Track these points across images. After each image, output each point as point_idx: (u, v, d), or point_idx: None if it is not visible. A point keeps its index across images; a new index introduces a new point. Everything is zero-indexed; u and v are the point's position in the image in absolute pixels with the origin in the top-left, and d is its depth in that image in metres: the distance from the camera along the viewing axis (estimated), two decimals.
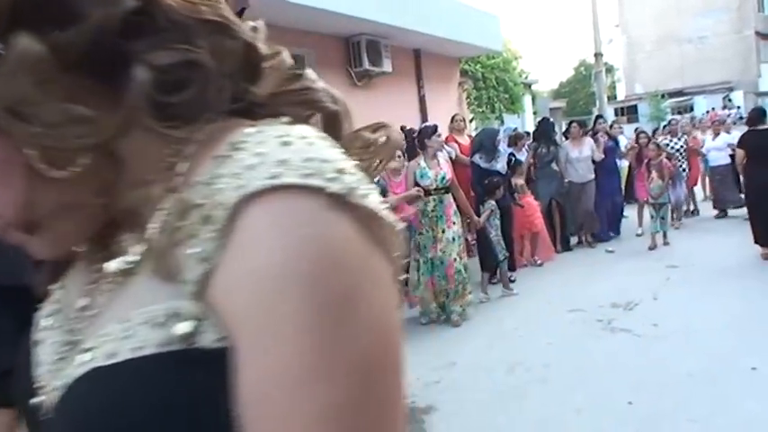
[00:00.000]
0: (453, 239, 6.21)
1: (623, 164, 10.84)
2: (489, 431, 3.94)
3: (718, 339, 5.03)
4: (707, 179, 11.94)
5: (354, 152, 0.62)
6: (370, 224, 0.51)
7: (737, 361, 4.55)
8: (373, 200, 0.51)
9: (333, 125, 0.62)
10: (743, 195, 10.36)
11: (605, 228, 9.72)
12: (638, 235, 9.72)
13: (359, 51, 9.82)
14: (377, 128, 0.67)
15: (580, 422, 3.92)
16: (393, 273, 0.53)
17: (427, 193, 6.19)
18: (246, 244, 0.47)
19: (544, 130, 9.47)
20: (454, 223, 6.27)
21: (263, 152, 0.49)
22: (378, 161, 0.66)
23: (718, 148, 11.13)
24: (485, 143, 7.38)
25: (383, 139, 0.67)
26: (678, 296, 6.39)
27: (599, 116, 11.56)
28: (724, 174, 10.96)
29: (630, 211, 10.59)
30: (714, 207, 11.18)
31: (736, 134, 10.81)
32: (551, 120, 10.54)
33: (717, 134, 11.42)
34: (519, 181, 8.15)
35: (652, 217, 9.01)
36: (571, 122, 10.10)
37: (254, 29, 0.60)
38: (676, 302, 6.18)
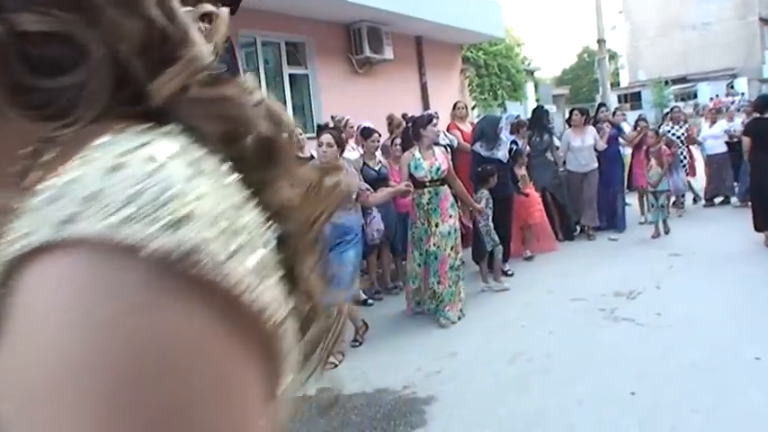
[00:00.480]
0: (449, 233, 6.00)
1: (626, 151, 10.76)
2: (490, 422, 3.91)
3: (721, 329, 4.99)
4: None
5: (285, 194, 0.46)
6: (229, 307, 0.35)
7: (741, 351, 4.52)
8: (239, 268, 0.35)
9: (264, 154, 0.45)
10: (736, 183, 10.41)
11: (604, 219, 9.56)
12: (640, 223, 9.67)
13: (360, 38, 9.77)
14: (330, 169, 0.51)
15: (582, 413, 3.89)
16: (262, 383, 0.37)
17: (422, 185, 5.98)
18: (18, 325, 0.32)
19: (538, 118, 9.36)
20: (450, 216, 6.05)
21: (75, 179, 0.34)
22: (320, 212, 0.48)
23: (715, 135, 11.04)
24: (486, 131, 7.29)
25: (330, 183, 0.50)
26: (681, 285, 6.35)
27: (601, 104, 11.45)
28: (720, 162, 10.88)
29: (632, 199, 10.53)
30: (705, 195, 11.11)
31: (737, 121, 10.80)
32: (545, 107, 10.44)
33: (713, 122, 11.34)
34: (521, 171, 8.01)
35: (652, 206, 8.95)
36: (572, 110, 10.01)
37: (206, 16, 0.48)
38: (679, 291, 6.14)
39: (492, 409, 4.05)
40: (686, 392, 3.99)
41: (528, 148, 8.89)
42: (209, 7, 0.49)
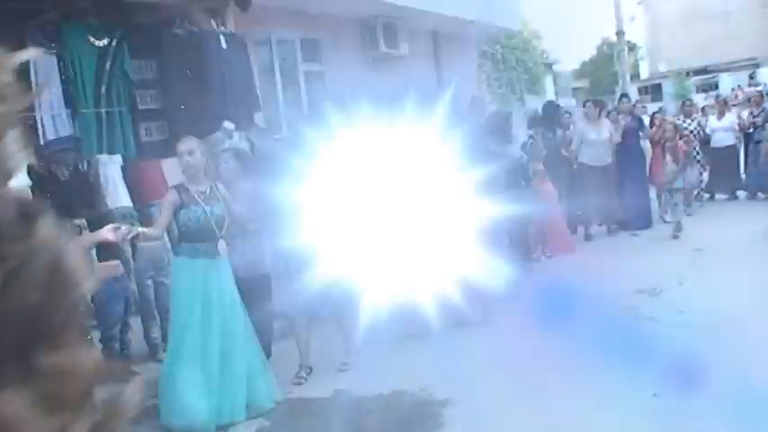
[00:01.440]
0: None
1: (647, 145, 10.57)
2: (508, 424, 3.84)
3: (745, 326, 4.87)
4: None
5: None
6: None
7: (767, 350, 4.39)
8: None
9: None
10: (743, 175, 10.29)
11: (629, 215, 9.36)
12: (662, 218, 9.49)
13: (375, 34, 9.69)
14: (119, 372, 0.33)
15: (603, 416, 3.80)
16: None
17: None
18: None
19: (549, 114, 9.19)
20: None
21: None
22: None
23: (725, 128, 10.81)
24: (497, 127, 7.14)
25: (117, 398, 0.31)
26: (704, 281, 6.22)
27: (623, 95, 11.26)
28: (729, 155, 10.68)
29: (652, 195, 10.36)
30: (706, 189, 10.91)
31: (743, 112, 10.66)
32: (557, 102, 10.30)
33: (722, 114, 11.08)
34: (537, 166, 7.83)
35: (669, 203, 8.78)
36: (586, 102, 9.81)
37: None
38: (702, 288, 6.01)
39: (511, 412, 3.97)
40: (711, 394, 3.88)
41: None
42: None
